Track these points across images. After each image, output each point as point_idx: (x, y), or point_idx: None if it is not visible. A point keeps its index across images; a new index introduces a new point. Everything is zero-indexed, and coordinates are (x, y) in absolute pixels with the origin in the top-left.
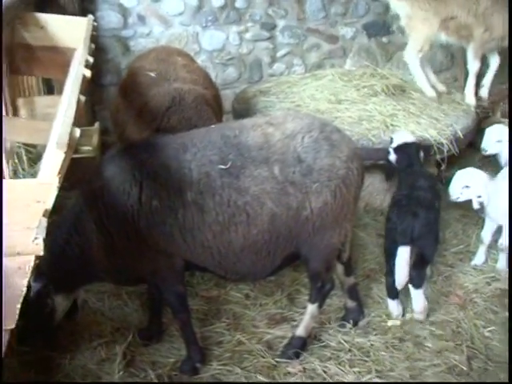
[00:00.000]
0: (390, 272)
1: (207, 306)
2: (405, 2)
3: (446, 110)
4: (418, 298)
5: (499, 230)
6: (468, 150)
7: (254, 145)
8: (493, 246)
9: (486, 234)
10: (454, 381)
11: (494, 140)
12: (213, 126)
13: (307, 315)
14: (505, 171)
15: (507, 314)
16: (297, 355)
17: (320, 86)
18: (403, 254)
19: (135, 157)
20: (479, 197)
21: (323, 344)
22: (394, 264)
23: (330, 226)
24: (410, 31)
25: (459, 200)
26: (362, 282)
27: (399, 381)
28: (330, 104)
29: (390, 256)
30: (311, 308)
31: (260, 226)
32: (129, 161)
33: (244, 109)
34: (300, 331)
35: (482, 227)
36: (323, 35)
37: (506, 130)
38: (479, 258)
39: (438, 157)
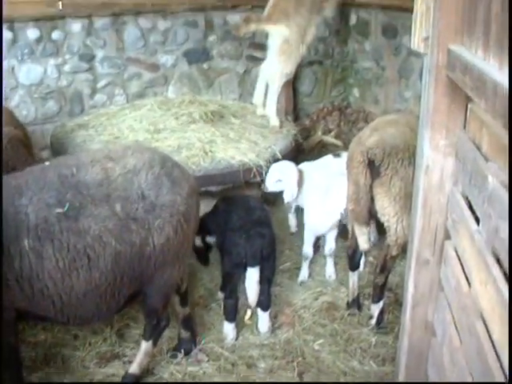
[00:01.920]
0: (231, 295)
1: (35, 352)
2: (284, 26)
3: (264, 133)
4: (265, 319)
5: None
6: None
7: (93, 182)
8: (317, 259)
9: (308, 249)
10: None
11: (274, 179)
12: (47, 162)
13: (141, 353)
14: (316, 182)
15: (335, 325)
16: None
17: (139, 116)
18: (254, 276)
19: None
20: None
21: (156, 377)
22: (234, 287)
23: (170, 262)
24: (281, 55)
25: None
26: (193, 309)
27: None
28: (148, 134)
29: (231, 279)
30: (146, 345)
31: (103, 268)
32: None
33: (62, 144)
34: (133, 368)
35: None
36: (144, 64)
37: (290, 168)
38: (303, 274)
39: (259, 179)
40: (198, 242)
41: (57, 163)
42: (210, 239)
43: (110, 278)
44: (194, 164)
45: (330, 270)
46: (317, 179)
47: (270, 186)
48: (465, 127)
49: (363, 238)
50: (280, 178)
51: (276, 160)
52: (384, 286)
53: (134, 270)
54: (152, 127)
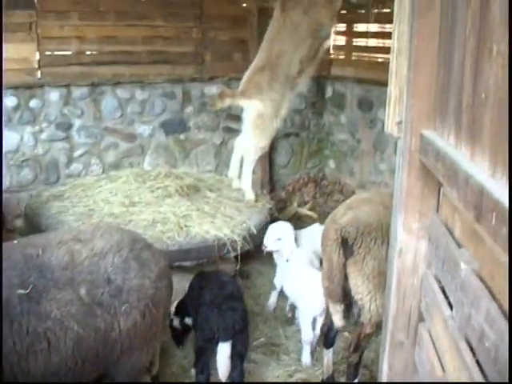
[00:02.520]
0: (202, 371)
1: None
2: (258, 101)
3: (240, 207)
4: None
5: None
6: None
7: (58, 265)
8: (291, 335)
9: (308, 333)
10: None
11: (273, 238)
12: (16, 241)
13: None
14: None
15: None
16: None
17: (114, 188)
18: (225, 350)
19: None
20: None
21: None
22: (206, 362)
23: (138, 346)
24: (256, 129)
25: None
26: None
27: None
28: (123, 207)
29: (203, 355)
30: None
31: (63, 353)
32: None
33: (36, 214)
34: None
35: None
36: (120, 134)
37: (287, 227)
38: (306, 360)
39: (233, 254)
40: (176, 322)
41: (25, 242)
42: (189, 320)
43: (71, 363)
44: (168, 239)
45: (304, 356)
46: (306, 248)
47: (270, 244)
48: (438, 210)
49: (338, 315)
50: (279, 236)
51: (251, 235)
52: (358, 364)
53: (98, 354)
54: (127, 200)
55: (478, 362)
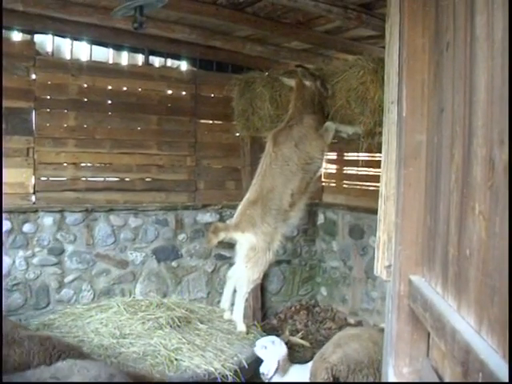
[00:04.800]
0: None
1: None
2: (251, 234)
3: (231, 340)
4: None
5: None
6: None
7: None
8: None
9: None
10: None
11: (261, 344)
12: None
13: None
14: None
15: None
16: None
17: (105, 318)
18: None
19: None
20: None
21: None
22: None
23: None
24: (248, 262)
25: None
26: None
27: None
28: (113, 339)
29: None
30: None
31: None
32: None
33: None
34: None
35: None
36: (112, 260)
37: (276, 341)
38: None
39: None
40: None
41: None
42: None
43: None
44: (158, 373)
45: None
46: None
47: (257, 349)
48: (428, 353)
49: None
50: (267, 345)
51: (241, 368)
52: None
53: None
54: (118, 331)
55: None
